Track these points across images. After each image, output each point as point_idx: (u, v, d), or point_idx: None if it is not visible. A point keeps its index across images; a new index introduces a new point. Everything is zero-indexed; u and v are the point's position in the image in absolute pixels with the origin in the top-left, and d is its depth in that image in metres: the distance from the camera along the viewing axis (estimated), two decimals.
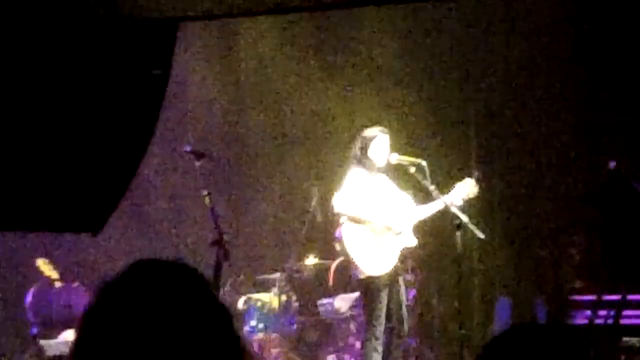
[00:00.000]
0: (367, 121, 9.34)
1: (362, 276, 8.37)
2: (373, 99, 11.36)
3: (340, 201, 8.37)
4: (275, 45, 11.77)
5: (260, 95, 11.87)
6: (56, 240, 10.23)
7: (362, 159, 8.48)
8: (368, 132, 8.60)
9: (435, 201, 8.47)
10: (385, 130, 8.64)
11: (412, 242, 8.58)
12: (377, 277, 8.32)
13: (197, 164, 8.17)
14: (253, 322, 10.09)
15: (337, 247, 8.66)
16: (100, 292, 2.21)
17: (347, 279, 9.57)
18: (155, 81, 4.61)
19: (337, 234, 8.56)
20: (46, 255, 9.76)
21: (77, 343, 2.19)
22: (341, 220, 8.42)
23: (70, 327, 9.15)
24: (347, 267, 8.88)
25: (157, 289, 2.19)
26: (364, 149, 8.50)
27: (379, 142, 8.52)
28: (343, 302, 10.17)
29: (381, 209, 8.44)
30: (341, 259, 9.28)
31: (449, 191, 8.56)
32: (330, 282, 10.29)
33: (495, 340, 2.16)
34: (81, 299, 9.56)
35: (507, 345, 2.12)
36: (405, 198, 8.67)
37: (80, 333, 2.19)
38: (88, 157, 4.51)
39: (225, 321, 2.23)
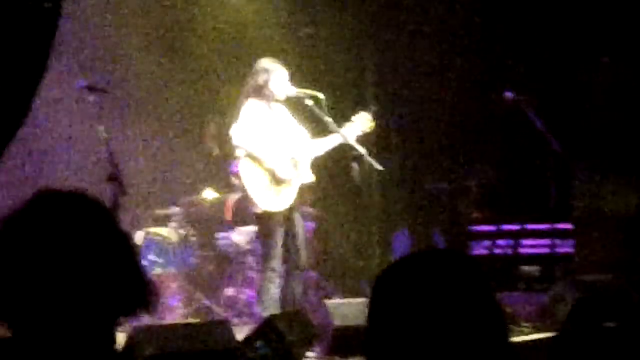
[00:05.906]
0: (264, 54, 9.25)
1: (258, 211, 8.34)
2: (270, 32, 11.29)
3: (238, 134, 8.28)
4: None
5: (154, 26, 11.66)
6: None
7: (263, 91, 8.38)
8: (267, 64, 8.46)
9: (332, 135, 8.46)
10: (279, 61, 8.56)
11: (309, 178, 8.56)
12: (274, 212, 8.31)
13: (91, 98, 8.04)
14: (151, 257, 10.01)
15: (234, 181, 8.61)
16: (3, 224, 2.19)
17: (245, 212, 9.53)
18: (47, 14, 4.50)
19: (233, 167, 8.50)
20: None
21: None
22: (238, 153, 8.35)
23: None
24: (244, 201, 8.84)
25: (61, 219, 2.20)
26: (266, 81, 8.39)
27: (280, 74, 8.43)
28: (241, 236, 10.16)
29: (278, 143, 8.39)
30: (239, 193, 9.23)
31: (346, 124, 8.55)
32: (228, 217, 10.25)
33: (392, 266, 2.15)
34: None
35: (404, 272, 2.11)
36: (302, 131, 8.64)
37: None
38: None
39: (129, 250, 2.25)
